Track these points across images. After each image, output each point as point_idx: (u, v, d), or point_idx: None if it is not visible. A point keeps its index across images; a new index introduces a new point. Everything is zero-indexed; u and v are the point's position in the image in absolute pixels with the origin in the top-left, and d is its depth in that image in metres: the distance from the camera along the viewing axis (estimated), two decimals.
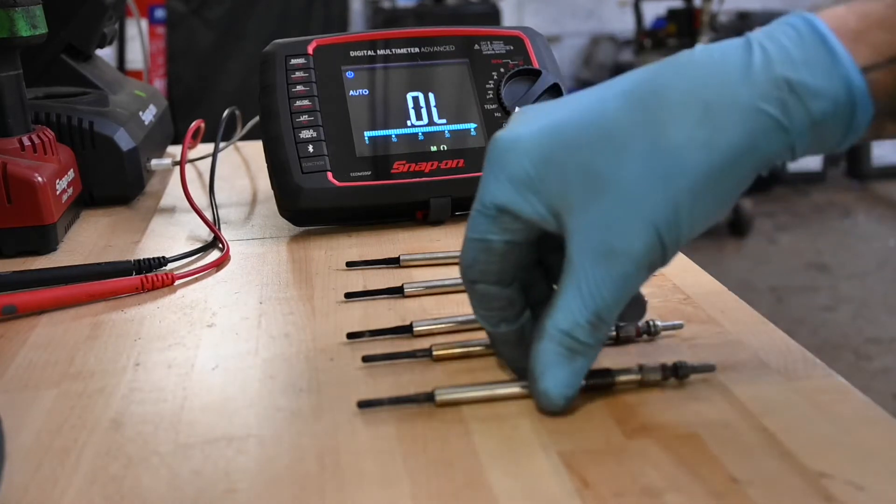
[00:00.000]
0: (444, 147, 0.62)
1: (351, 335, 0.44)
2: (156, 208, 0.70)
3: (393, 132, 0.61)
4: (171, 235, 0.63)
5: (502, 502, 0.31)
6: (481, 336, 0.42)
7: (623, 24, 3.59)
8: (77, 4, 0.73)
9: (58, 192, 0.60)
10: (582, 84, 3.64)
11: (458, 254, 0.57)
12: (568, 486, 0.32)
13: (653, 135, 0.33)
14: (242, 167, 0.82)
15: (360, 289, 0.50)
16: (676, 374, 0.38)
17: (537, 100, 0.63)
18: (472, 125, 0.63)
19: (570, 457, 0.33)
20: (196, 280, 0.54)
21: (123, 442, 0.36)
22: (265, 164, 0.62)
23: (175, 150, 0.85)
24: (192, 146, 0.77)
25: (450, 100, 0.63)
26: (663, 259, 0.34)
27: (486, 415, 0.37)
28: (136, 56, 2.12)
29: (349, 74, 0.62)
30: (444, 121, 0.62)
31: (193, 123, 0.77)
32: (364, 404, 0.37)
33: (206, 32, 2.47)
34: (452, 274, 0.53)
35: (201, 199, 0.68)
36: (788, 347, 0.42)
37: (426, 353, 0.42)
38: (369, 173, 0.60)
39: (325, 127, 0.60)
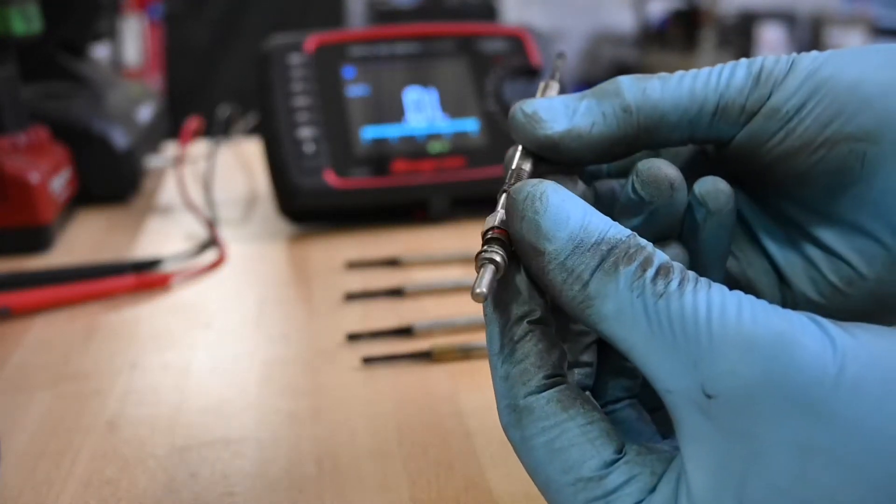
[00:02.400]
0: (443, 146, 0.61)
1: (351, 336, 0.43)
2: (152, 207, 0.70)
3: (392, 130, 0.61)
4: (167, 235, 0.62)
5: None
6: (481, 337, 0.42)
7: (626, 21, 3.58)
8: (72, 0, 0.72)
9: (52, 191, 0.60)
10: (584, 83, 3.64)
11: (457, 254, 0.57)
12: None
13: None
14: (240, 165, 0.82)
15: (360, 289, 0.49)
16: None
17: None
18: (472, 123, 0.62)
19: None
20: (193, 280, 0.53)
21: (119, 444, 0.35)
22: (264, 163, 0.61)
23: (172, 148, 0.85)
24: (190, 144, 0.77)
25: (449, 98, 0.63)
26: None
27: (488, 417, 0.36)
28: (133, 53, 2.11)
29: (348, 72, 0.62)
30: (443, 119, 0.62)
31: (191, 121, 0.77)
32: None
33: (204, 29, 2.46)
34: (452, 274, 0.52)
35: (198, 197, 0.68)
36: None
37: (426, 354, 0.41)
38: (368, 172, 0.59)
39: (324, 125, 0.60)
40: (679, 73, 0.25)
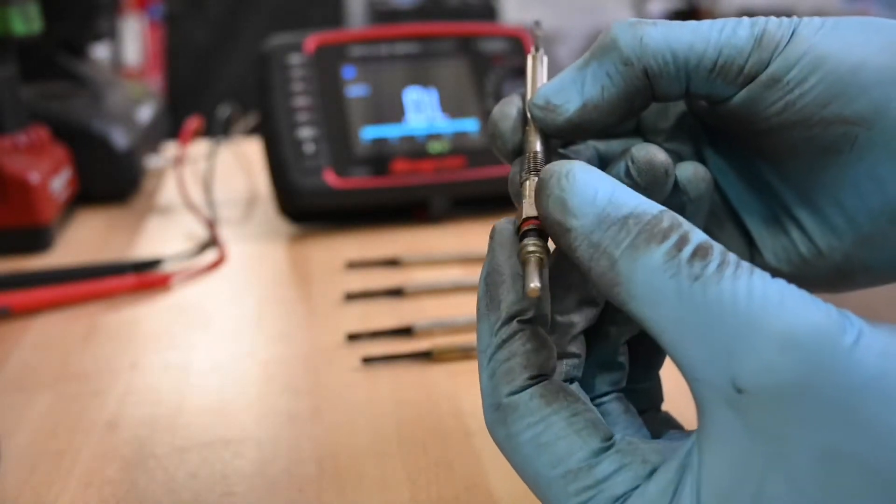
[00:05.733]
0: (443, 146, 0.61)
1: (351, 336, 0.43)
2: (152, 207, 0.70)
3: (392, 131, 0.61)
4: (167, 235, 0.62)
5: None
6: None
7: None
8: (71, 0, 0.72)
9: (52, 192, 0.60)
10: None
11: (457, 254, 0.57)
12: None
13: None
14: (240, 165, 0.82)
15: (360, 289, 0.49)
16: None
17: None
18: (472, 123, 0.62)
19: None
20: (193, 280, 0.53)
21: (119, 445, 0.35)
22: (264, 163, 0.61)
23: (172, 148, 0.85)
24: (190, 144, 0.77)
25: (449, 98, 0.63)
26: None
27: None
28: (133, 53, 2.11)
29: (348, 72, 0.62)
30: (443, 119, 0.62)
31: (191, 121, 0.77)
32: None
33: (204, 29, 2.46)
34: (452, 274, 0.52)
35: (198, 197, 0.68)
36: None
37: (426, 354, 0.41)
38: (368, 172, 0.59)
39: (324, 125, 0.60)
40: (678, 22, 0.24)
